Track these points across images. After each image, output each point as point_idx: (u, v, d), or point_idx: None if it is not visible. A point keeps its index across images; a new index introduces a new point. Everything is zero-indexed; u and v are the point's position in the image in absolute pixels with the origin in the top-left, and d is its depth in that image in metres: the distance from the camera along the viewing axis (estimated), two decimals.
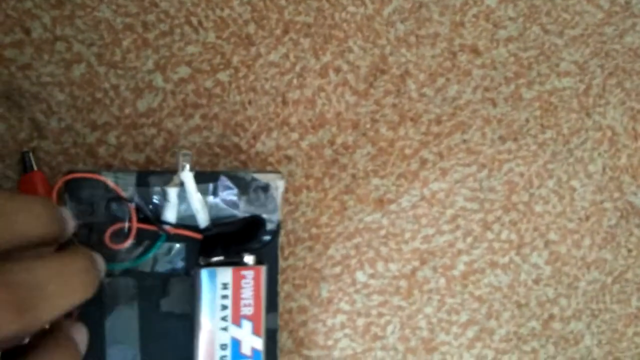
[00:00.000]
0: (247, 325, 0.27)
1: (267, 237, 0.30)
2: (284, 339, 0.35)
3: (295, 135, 0.36)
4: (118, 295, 0.28)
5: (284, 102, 0.36)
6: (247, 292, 0.27)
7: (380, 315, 0.36)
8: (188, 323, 0.28)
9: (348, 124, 0.36)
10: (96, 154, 0.33)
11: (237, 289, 0.27)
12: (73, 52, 0.33)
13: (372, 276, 0.36)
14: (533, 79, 0.39)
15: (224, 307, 0.27)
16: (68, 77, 0.33)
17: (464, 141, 0.38)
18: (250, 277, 0.27)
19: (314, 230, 0.36)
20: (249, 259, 0.28)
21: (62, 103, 0.33)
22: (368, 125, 0.37)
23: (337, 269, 0.36)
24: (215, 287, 0.27)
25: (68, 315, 0.26)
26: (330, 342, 0.36)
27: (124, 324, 0.28)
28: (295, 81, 0.36)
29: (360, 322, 0.36)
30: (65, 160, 0.33)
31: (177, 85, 0.34)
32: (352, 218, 0.36)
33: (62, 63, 0.33)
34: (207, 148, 0.34)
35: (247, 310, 0.27)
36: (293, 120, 0.36)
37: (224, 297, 0.27)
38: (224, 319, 0.27)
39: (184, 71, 0.34)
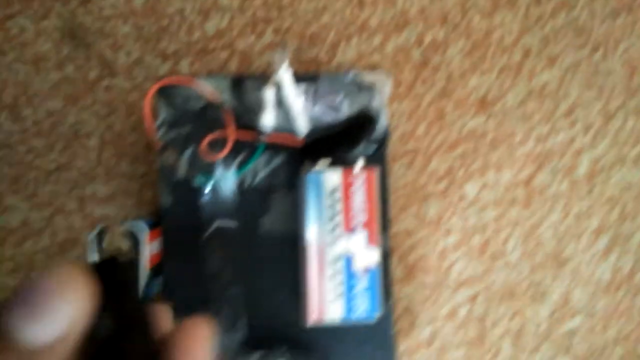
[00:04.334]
0: (361, 234, 0.24)
1: (373, 147, 0.26)
2: (393, 265, 0.32)
3: (377, 39, 0.32)
4: (216, 215, 0.25)
5: (361, 4, 0.32)
6: (360, 197, 0.24)
7: (498, 230, 0.32)
8: (290, 243, 0.25)
9: (435, 18, 0.32)
10: None
11: (347, 194, 0.24)
12: None
13: (483, 187, 0.32)
14: None
15: (334, 216, 0.24)
16: (130, 7, 0.31)
17: (571, 21, 0.33)
18: (362, 181, 0.24)
19: (411, 144, 0.32)
20: (358, 162, 0.25)
21: (128, 35, 0.31)
22: (458, 17, 0.32)
23: (443, 184, 0.32)
24: (323, 194, 0.24)
25: None
26: (445, 265, 0.32)
27: (223, 245, 0.25)
28: None
29: (476, 240, 0.32)
30: (140, 96, 0.30)
31: (244, 1, 0.31)
32: (452, 125, 0.32)
33: None
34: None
35: (361, 218, 0.24)
36: (373, 22, 0.32)
37: (333, 204, 0.24)
38: (333, 229, 0.24)
39: None
